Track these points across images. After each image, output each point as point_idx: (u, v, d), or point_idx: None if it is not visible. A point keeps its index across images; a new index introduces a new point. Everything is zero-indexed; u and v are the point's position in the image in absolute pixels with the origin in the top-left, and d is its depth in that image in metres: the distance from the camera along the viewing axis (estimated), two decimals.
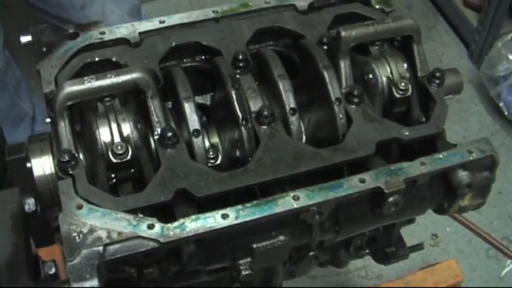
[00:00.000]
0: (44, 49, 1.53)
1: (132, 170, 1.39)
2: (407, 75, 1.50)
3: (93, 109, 1.40)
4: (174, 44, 1.56)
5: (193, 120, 1.40)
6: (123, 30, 1.57)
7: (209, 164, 1.44)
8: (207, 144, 1.48)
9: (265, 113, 1.40)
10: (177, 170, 1.34)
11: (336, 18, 1.64)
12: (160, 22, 1.60)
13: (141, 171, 1.39)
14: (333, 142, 1.44)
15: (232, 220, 1.27)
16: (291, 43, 1.62)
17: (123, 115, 1.39)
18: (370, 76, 1.49)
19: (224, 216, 1.27)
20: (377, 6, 1.67)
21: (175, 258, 1.35)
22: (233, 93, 1.42)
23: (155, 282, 1.40)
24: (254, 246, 1.37)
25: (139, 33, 1.57)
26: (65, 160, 1.32)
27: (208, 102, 1.62)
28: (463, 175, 1.41)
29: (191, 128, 1.39)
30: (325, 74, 1.46)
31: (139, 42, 1.56)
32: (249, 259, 1.39)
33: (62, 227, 1.26)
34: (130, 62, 1.51)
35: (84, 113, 1.41)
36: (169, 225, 1.26)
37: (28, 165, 1.40)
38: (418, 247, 1.90)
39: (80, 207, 1.28)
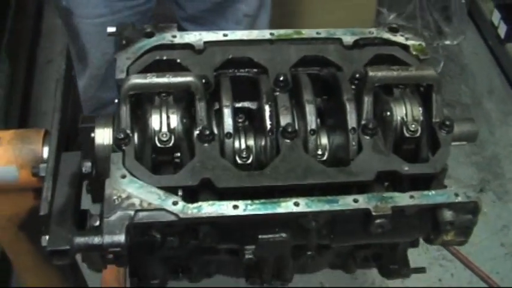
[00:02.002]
0: (124, 42, 1.89)
1: (174, 156, 1.73)
2: (420, 118, 1.76)
3: (151, 100, 1.75)
4: (230, 56, 1.88)
5: (228, 124, 1.72)
6: (191, 37, 1.91)
7: (241, 161, 1.75)
8: (242, 145, 1.80)
9: (289, 129, 1.71)
10: (206, 162, 1.66)
11: (375, 57, 1.92)
12: (224, 35, 1.93)
13: (181, 158, 1.72)
14: (345, 164, 1.73)
15: (240, 211, 1.59)
16: (333, 71, 1.91)
17: (173, 109, 1.72)
18: (388, 113, 1.76)
19: (235, 207, 1.59)
20: (414, 53, 1.93)
21: (194, 233, 1.68)
22: (266, 107, 1.74)
23: (174, 250, 1.73)
24: (259, 236, 1.67)
25: (204, 42, 1.90)
26: (120, 137, 1.67)
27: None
28: (447, 213, 1.66)
29: (225, 131, 1.71)
30: (347, 105, 1.75)
31: (202, 50, 1.89)
32: (253, 246, 1.70)
33: (107, 190, 1.61)
34: (191, 66, 1.84)
35: (144, 102, 1.75)
36: (189, 205, 1.59)
37: (92, 135, 1.76)
38: (420, 270, 2.15)
39: (123, 176, 1.63)
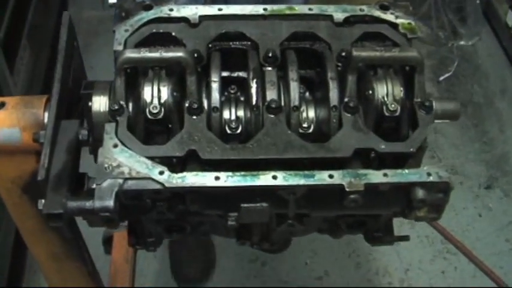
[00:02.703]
0: (123, 14, 1.97)
1: (165, 127, 1.82)
2: (401, 98, 1.82)
3: (145, 73, 1.84)
4: (223, 30, 1.95)
5: (214, 99, 1.81)
6: (187, 11, 1.98)
7: (230, 132, 1.84)
8: (233, 115, 1.89)
9: (273, 105, 1.78)
10: (194, 134, 1.76)
11: (363, 34, 1.97)
12: (219, 10, 2.00)
13: (172, 128, 1.82)
14: (326, 140, 1.81)
15: (221, 182, 1.69)
16: (322, 47, 1.97)
17: (164, 83, 1.81)
18: (370, 92, 1.83)
19: (216, 178, 1.69)
20: (402, 31, 1.98)
21: (181, 199, 1.79)
22: (252, 83, 1.81)
23: (164, 214, 1.84)
24: (241, 205, 1.77)
25: (199, 16, 1.97)
26: (114, 109, 1.77)
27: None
28: (419, 192, 1.74)
29: (212, 105, 1.80)
30: (330, 83, 1.82)
31: (197, 24, 1.96)
32: (236, 214, 1.80)
33: (99, 158, 1.72)
34: (186, 39, 1.92)
35: (139, 74, 1.84)
36: (175, 174, 1.69)
37: (90, 103, 1.86)
38: (404, 238, 2.24)
39: (115, 146, 1.73)
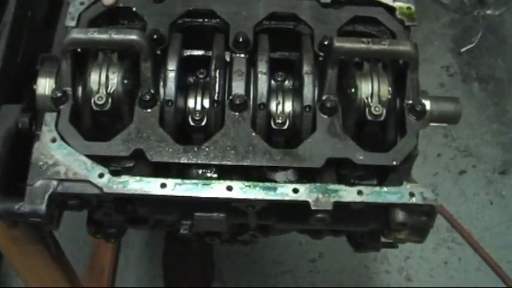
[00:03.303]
0: None
1: (115, 118, 1.57)
2: (388, 99, 1.53)
3: (94, 56, 1.57)
4: (191, 8, 1.66)
5: (169, 91, 1.54)
6: None
7: (193, 124, 1.58)
8: (198, 105, 1.62)
9: (237, 101, 1.51)
10: (143, 130, 1.50)
11: (354, 18, 1.67)
12: None
13: (122, 122, 1.57)
14: (297, 143, 1.54)
15: (168, 191, 1.44)
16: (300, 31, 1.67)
17: (114, 68, 1.54)
18: (352, 90, 1.54)
19: (163, 186, 1.44)
20: (399, 17, 1.67)
21: (128, 203, 1.55)
22: (214, 73, 1.54)
23: (111, 216, 1.61)
24: (195, 214, 1.53)
25: None
26: (56, 96, 1.52)
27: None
28: (398, 213, 1.47)
29: (166, 98, 1.53)
30: (305, 78, 1.53)
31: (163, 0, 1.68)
32: (189, 221, 1.56)
33: (34, 154, 1.48)
34: (147, 16, 1.65)
35: (87, 57, 1.58)
36: (115, 178, 1.45)
37: (34, 86, 1.61)
38: (391, 245, 1.97)
39: (53, 140, 1.49)
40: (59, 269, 2.21)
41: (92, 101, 1.52)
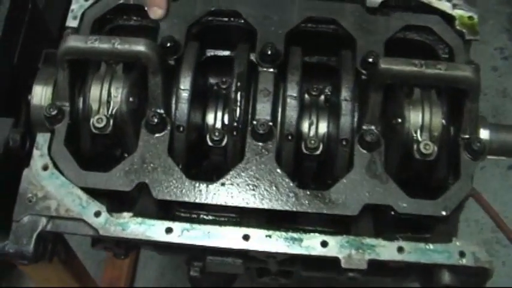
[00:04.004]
0: None
1: (118, 141, 1.32)
2: (440, 134, 1.24)
3: (96, 66, 1.31)
4: (212, 8, 1.37)
5: (181, 115, 1.27)
6: None
7: (212, 144, 1.32)
8: (218, 122, 1.36)
9: (260, 130, 1.24)
10: (148, 160, 1.25)
11: (405, 28, 1.36)
12: None
13: (125, 146, 1.31)
14: (330, 172, 1.27)
15: (174, 237, 1.19)
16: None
17: (118, 83, 1.28)
18: (399, 121, 1.25)
19: (168, 230, 1.19)
20: (459, 28, 1.35)
21: None
22: (233, 96, 1.26)
23: (112, 249, 1.38)
24: (207, 257, 1.29)
25: None
26: (49, 114, 1.26)
27: None
28: (445, 275, 1.20)
29: (177, 122, 1.27)
30: (343, 106, 1.25)
31: None
32: (200, 263, 1.32)
33: (23, 183, 1.24)
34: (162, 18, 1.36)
35: (87, 66, 1.31)
36: (113, 218, 1.20)
37: (29, 96, 1.36)
38: None
39: (45, 168, 1.25)
40: (68, 272, 2.01)
41: (91, 122, 1.26)
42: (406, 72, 1.22)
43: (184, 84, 1.27)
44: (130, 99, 1.28)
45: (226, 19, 1.41)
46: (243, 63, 1.29)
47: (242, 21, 1.39)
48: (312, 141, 1.31)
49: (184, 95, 1.26)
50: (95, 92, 1.28)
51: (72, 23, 1.36)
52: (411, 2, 1.39)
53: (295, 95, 1.26)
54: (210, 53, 1.46)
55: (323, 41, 1.42)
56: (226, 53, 1.46)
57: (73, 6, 1.38)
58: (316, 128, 1.35)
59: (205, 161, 1.40)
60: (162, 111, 1.28)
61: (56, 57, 1.35)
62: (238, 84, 1.26)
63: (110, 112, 1.26)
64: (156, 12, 1.36)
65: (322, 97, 1.41)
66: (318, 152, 1.31)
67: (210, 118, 1.38)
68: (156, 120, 1.25)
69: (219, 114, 1.38)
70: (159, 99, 1.27)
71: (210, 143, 1.33)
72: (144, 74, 1.29)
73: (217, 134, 1.32)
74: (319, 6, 1.38)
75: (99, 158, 1.33)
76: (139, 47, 1.23)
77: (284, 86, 1.31)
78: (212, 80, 1.46)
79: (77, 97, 1.30)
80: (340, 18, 1.36)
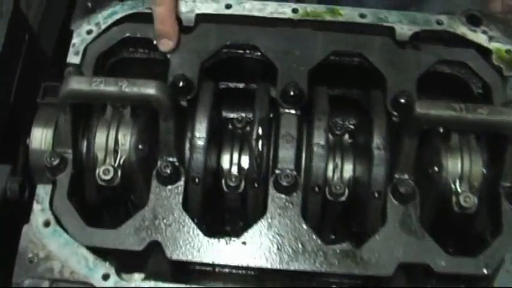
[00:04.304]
0: (89, 4, 1.28)
1: (126, 192, 1.19)
2: (480, 184, 1.12)
3: (101, 109, 1.18)
4: (228, 42, 1.24)
5: (196, 164, 1.14)
6: (180, 5, 1.27)
7: (228, 190, 1.20)
8: (234, 168, 1.23)
9: (284, 182, 1.11)
10: (160, 215, 1.12)
11: (438, 63, 1.24)
12: (227, 7, 1.28)
13: (135, 197, 1.19)
14: (363, 237, 1.15)
15: None
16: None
17: (125, 130, 1.15)
18: (435, 169, 1.13)
19: None
20: (496, 63, 1.23)
21: None
22: (253, 145, 1.14)
23: None
24: None
25: (197, 15, 1.26)
26: (51, 165, 1.13)
27: None
28: None
29: (192, 174, 1.14)
30: (375, 154, 1.12)
31: (192, 27, 1.26)
32: None
33: (22, 241, 1.11)
34: (172, 52, 1.23)
35: (91, 109, 1.18)
36: (124, 282, 1.08)
37: (27, 140, 1.22)
38: None
39: (47, 224, 1.12)
40: None
41: (97, 172, 1.13)
42: (445, 117, 1.09)
43: (200, 132, 1.14)
44: (140, 146, 1.15)
45: (241, 51, 1.28)
46: (265, 107, 1.16)
47: (259, 53, 1.26)
48: (338, 187, 1.18)
49: (200, 143, 1.13)
50: (101, 139, 1.15)
51: (73, 59, 1.23)
52: (443, 34, 1.27)
53: (322, 143, 1.13)
54: (223, 85, 1.33)
55: (346, 73, 1.30)
56: (241, 85, 1.35)
57: (74, 40, 1.25)
58: (341, 171, 1.23)
59: (219, 204, 1.27)
60: (174, 159, 1.15)
61: (55, 89, 1.22)
62: (260, 131, 1.13)
63: (117, 162, 1.13)
64: (166, 44, 1.23)
65: (346, 136, 1.29)
66: (344, 198, 1.19)
67: (225, 161, 1.25)
68: (168, 171, 1.12)
69: (235, 156, 1.26)
70: (172, 146, 1.14)
71: (225, 189, 1.21)
72: (153, 117, 1.15)
73: (233, 179, 1.20)
74: (344, 39, 1.25)
75: (105, 208, 1.20)
76: (150, 90, 1.10)
77: (309, 131, 1.18)
78: (225, 113, 1.34)
79: (81, 142, 1.17)
80: (368, 52, 1.23)
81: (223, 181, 1.21)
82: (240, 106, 1.34)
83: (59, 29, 1.70)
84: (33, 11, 1.84)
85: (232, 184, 1.20)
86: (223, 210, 1.28)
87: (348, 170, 1.23)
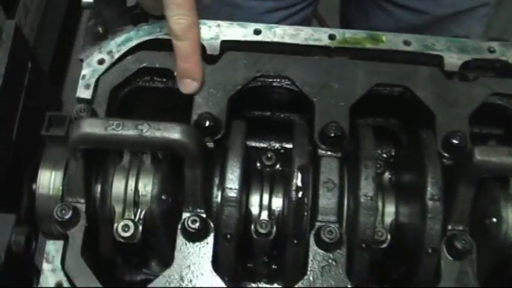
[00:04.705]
0: (100, 29, 1.12)
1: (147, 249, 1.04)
2: None
3: (117, 154, 1.03)
4: (258, 73, 1.09)
5: (228, 220, 0.99)
6: (203, 31, 1.12)
7: (258, 237, 1.06)
8: (264, 213, 1.09)
9: (327, 238, 0.97)
10: (188, 276, 0.97)
11: (491, 96, 1.09)
12: (256, 32, 1.12)
13: (157, 254, 1.04)
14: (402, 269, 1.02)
15: None
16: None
17: (146, 179, 1.00)
18: (493, 221, 0.99)
19: None
20: None
21: None
22: (293, 196, 0.99)
23: None
24: None
25: (222, 42, 1.11)
26: (63, 219, 0.98)
27: None
28: None
29: (223, 230, 0.99)
30: (429, 207, 0.98)
31: (217, 56, 1.10)
32: None
33: None
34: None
35: (106, 154, 1.03)
36: None
37: (34, 186, 1.07)
38: None
39: (59, 286, 0.97)
40: None
41: (115, 228, 0.98)
42: (507, 165, 0.95)
43: (233, 182, 0.99)
44: (163, 197, 1.00)
45: (271, 80, 1.13)
46: (305, 153, 1.01)
47: (289, 81, 1.11)
48: (379, 233, 1.05)
49: (233, 195, 0.98)
50: (118, 190, 1.00)
51: (84, 93, 1.07)
52: (495, 64, 1.12)
53: (371, 194, 0.98)
54: (247, 114, 1.19)
55: (385, 103, 1.15)
56: (267, 113, 1.20)
57: (84, 72, 1.09)
58: (383, 215, 1.09)
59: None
60: (202, 210, 1.00)
61: (61, 120, 1.08)
62: (299, 182, 0.99)
63: (138, 216, 0.99)
64: (189, 85, 1.07)
65: (387, 173, 1.15)
66: (385, 245, 1.06)
67: (254, 205, 1.10)
68: (196, 226, 0.97)
69: (265, 198, 1.11)
70: (199, 196, 1.00)
71: (255, 236, 1.07)
72: (176, 161, 1.01)
73: (264, 225, 1.06)
74: (387, 70, 1.10)
75: (124, 263, 1.06)
76: (175, 135, 0.95)
77: (352, 176, 1.04)
78: (248, 142, 1.19)
79: (95, 191, 1.02)
80: (415, 85, 1.09)
81: (252, 227, 1.07)
82: (266, 136, 1.20)
83: (56, 41, 1.57)
84: (29, 23, 1.70)
85: (263, 231, 1.06)
86: (251, 256, 1.14)
87: (390, 213, 1.09)
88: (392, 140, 1.18)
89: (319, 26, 2.84)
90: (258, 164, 1.16)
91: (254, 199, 1.10)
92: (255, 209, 1.10)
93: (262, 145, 1.21)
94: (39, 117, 1.13)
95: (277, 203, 1.09)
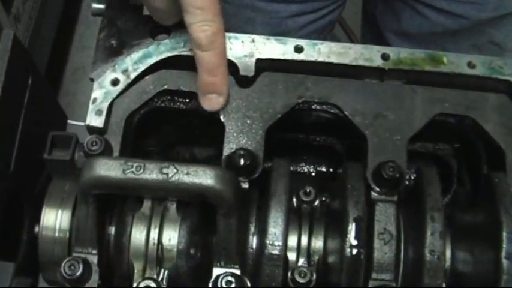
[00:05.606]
0: (113, 43, 0.92)
1: None
2: None
3: (136, 198, 0.83)
4: (301, 100, 0.90)
5: (271, 282, 0.81)
6: (235, 46, 0.92)
7: (297, 282, 0.87)
8: (302, 259, 0.90)
9: None
10: None
11: None
12: (297, 50, 0.92)
13: None
14: None
15: None
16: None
17: (171, 231, 0.81)
18: None
19: None
20: None
21: None
22: (347, 252, 0.80)
23: None
24: None
25: (257, 61, 0.91)
26: (72, 277, 0.79)
27: None
28: None
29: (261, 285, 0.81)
30: (504, 266, 0.80)
31: (252, 79, 0.91)
32: None
33: None
34: (224, 114, 0.88)
35: (123, 200, 0.84)
36: None
37: (36, 228, 0.88)
38: None
39: None
40: None
41: (136, 284, 0.80)
42: None
43: (277, 238, 0.80)
44: (191, 251, 0.81)
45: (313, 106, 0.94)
46: (361, 201, 0.83)
47: (335, 109, 0.92)
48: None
49: (277, 253, 0.80)
50: (138, 243, 0.81)
51: (95, 120, 0.87)
52: None
53: (439, 252, 0.80)
54: (277, 135, 1.00)
55: (439, 130, 0.97)
56: (300, 135, 1.02)
57: (95, 95, 0.89)
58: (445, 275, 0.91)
59: None
60: (237, 266, 0.81)
61: (65, 140, 0.88)
62: (355, 240, 0.80)
63: (162, 274, 0.80)
64: (214, 101, 0.88)
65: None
66: None
67: (291, 250, 0.91)
68: (228, 278, 0.79)
69: (304, 241, 0.92)
70: (233, 250, 0.81)
71: (291, 284, 0.88)
72: (206, 209, 0.82)
73: (302, 274, 0.87)
74: (449, 97, 0.91)
75: None
76: (208, 180, 0.76)
77: (409, 225, 0.85)
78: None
79: (109, 242, 0.83)
80: (481, 117, 0.90)
81: (289, 274, 0.89)
82: (296, 158, 1.02)
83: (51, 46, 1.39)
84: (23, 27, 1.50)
85: (301, 280, 0.87)
86: None
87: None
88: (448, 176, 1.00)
89: (342, 29, 2.64)
90: (295, 200, 0.97)
91: (291, 242, 0.92)
92: (291, 255, 0.92)
93: (297, 170, 1.03)
94: (41, 138, 0.93)
95: (318, 246, 0.91)
